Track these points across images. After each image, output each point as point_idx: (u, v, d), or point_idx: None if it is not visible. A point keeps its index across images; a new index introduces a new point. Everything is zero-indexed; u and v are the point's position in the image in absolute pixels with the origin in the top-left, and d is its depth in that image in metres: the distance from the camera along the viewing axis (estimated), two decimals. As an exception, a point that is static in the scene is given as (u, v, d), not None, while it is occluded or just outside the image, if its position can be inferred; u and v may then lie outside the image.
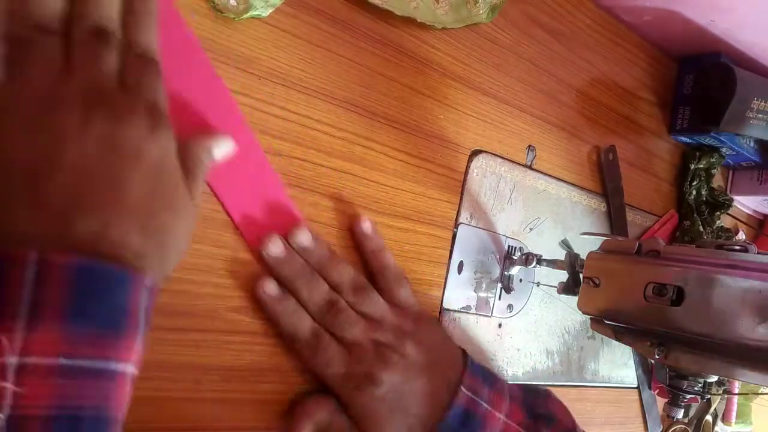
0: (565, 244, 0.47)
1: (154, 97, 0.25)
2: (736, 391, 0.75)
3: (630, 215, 0.60)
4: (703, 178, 0.66)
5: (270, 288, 0.33)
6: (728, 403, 0.74)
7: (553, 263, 0.48)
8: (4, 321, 0.19)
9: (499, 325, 0.49)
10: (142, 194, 0.24)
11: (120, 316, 0.22)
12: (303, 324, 0.34)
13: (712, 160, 0.66)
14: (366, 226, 0.38)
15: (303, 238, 0.34)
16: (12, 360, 0.19)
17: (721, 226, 0.68)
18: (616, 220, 0.58)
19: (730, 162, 0.70)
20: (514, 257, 0.48)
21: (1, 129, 0.22)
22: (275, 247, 0.33)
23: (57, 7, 0.24)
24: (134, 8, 0.26)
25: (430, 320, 0.41)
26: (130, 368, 0.23)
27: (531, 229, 0.51)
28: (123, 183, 0.23)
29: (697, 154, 0.66)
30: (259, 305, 0.34)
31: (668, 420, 0.65)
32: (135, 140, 0.24)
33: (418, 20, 0.40)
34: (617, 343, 0.44)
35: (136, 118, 0.24)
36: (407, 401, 0.35)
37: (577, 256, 0.44)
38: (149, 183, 0.24)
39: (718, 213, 0.68)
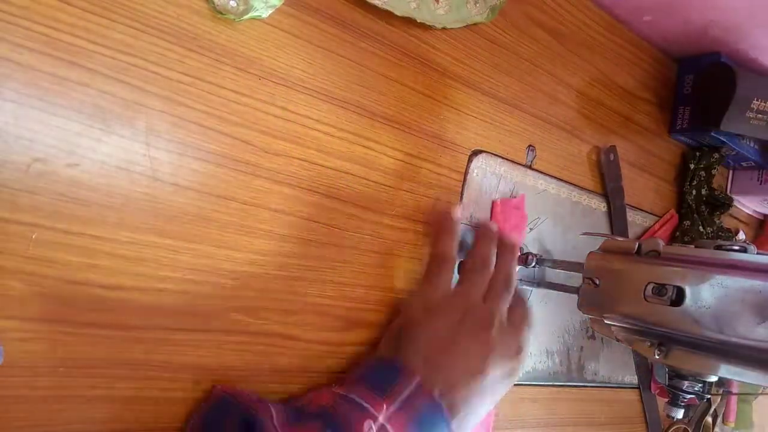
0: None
1: (525, 338, 0.41)
2: (736, 391, 0.75)
3: (630, 215, 0.60)
4: (703, 178, 0.66)
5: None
6: (728, 403, 0.74)
7: (553, 263, 0.48)
8: (387, 399, 0.33)
9: (499, 325, 0.48)
10: (480, 390, 0.37)
11: None
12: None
13: (712, 160, 0.66)
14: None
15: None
16: (381, 419, 0.32)
17: (721, 226, 0.68)
18: (616, 221, 0.58)
19: (730, 162, 0.70)
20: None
21: (438, 315, 0.38)
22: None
23: (491, 256, 0.41)
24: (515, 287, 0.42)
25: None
26: None
27: (531, 229, 0.51)
28: (474, 377, 0.36)
29: (697, 154, 0.66)
30: (259, 305, 0.34)
31: (668, 420, 0.65)
32: (494, 377, 0.37)
33: (418, 20, 0.40)
34: (617, 343, 0.44)
35: (510, 344, 0.39)
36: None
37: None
38: (484, 398, 0.37)
39: (718, 213, 0.68)
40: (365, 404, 0.33)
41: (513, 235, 0.45)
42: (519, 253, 0.44)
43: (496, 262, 0.42)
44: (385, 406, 0.32)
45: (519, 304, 0.42)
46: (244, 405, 0.32)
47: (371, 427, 0.31)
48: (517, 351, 0.39)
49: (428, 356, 0.36)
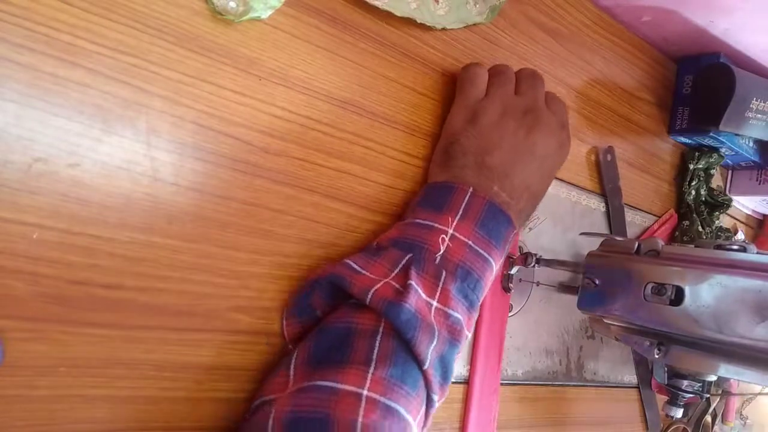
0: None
1: (566, 119, 0.43)
2: (736, 390, 0.75)
3: (629, 215, 0.60)
4: (702, 178, 0.66)
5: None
6: (727, 402, 0.75)
7: (553, 263, 0.48)
8: (450, 213, 0.36)
9: (499, 325, 0.49)
10: (530, 175, 0.40)
11: (498, 238, 0.37)
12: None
13: (711, 160, 0.66)
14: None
15: None
16: (450, 231, 0.36)
17: (720, 226, 0.68)
18: (614, 221, 0.58)
19: (729, 162, 0.70)
20: (514, 257, 0.48)
21: (477, 122, 0.39)
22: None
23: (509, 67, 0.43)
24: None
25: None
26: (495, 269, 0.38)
27: (530, 229, 0.51)
28: (522, 167, 0.39)
29: (697, 154, 0.66)
30: (259, 305, 0.35)
31: (667, 419, 0.65)
32: (546, 149, 0.40)
33: (418, 21, 0.40)
34: (617, 342, 0.44)
35: (550, 126, 0.41)
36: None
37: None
38: (543, 177, 0.41)
39: (717, 213, 0.68)
40: (431, 223, 0.36)
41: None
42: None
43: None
44: (449, 218, 0.36)
45: (551, 95, 0.43)
46: (323, 273, 0.34)
47: (444, 239, 0.35)
48: (562, 125, 0.42)
49: (473, 164, 0.38)
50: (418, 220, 0.36)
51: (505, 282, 0.48)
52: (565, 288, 0.49)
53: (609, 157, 0.57)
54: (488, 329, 0.47)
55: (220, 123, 0.33)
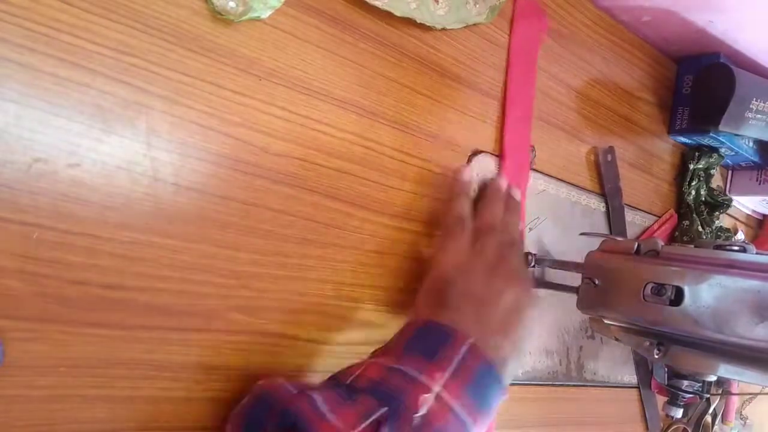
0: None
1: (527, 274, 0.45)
2: (736, 391, 0.75)
3: (629, 215, 0.60)
4: (702, 178, 0.66)
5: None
6: (727, 402, 0.75)
7: (552, 263, 0.48)
8: (440, 367, 0.32)
9: (499, 325, 0.48)
10: (521, 337, 0.38)
11: (488, 408, 0.34)
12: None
13: (711, 160, 0.66)
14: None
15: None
16: (436, 389, 0.31)
17: (720, 226, 0.68)
18: (614, 221, 0.58)
19: (729, 162, 0.70)
20: (514, 257, 0.48)
21: (469, 272, 0.39)
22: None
23: (498, 216, 0.43)
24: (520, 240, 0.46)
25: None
26: None
27: (530, 229, 0.51)
28: (516, 326, 0.38)
29: (696, 154, 0.66)
30: (259, 305, 0.35)
31: (667, 419, 0.65)
32: (525, 301, 0.39)
33: (418, 21, 0.40)
34: (616, 342, 0.44)
35: (530, 295, 0.40)
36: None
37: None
38: (525, 331, 0.38)
39: (717, 213, 0.68)
40: (418, 375, 0.32)
41: (516, 192, 0.47)
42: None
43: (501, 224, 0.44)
44: (438, 374, 0.32)
45: (515, 249, 0.44)
46: (282, 400, 0.31)
47: (426, 399, 0.31)
48: (533, 300, 0.41)
49: (472, 311, 0.36)
50: (403, 368, 0.32)
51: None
52: (564, 288, 0.48)
53: (609, 157, 0.57)
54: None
55: (220, 123, 0.33)
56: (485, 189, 0.46)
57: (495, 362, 0.34)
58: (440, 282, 0.38)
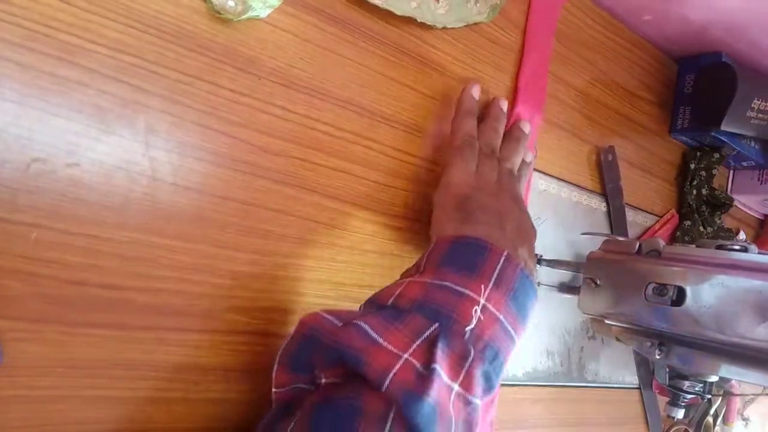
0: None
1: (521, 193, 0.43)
2: (737, 391, 0.75)
3: (631, 215, 0.60)
4: (703, 178, 0.66)
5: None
6: (729, 403, 0.74)
7: (553, 263, 0.48)
8: (483, 280, 0.33)
9: (500, 325, 0.48)
10: (533, 247, 0.39)
11: (526, 315, 0.35)
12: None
13: (713, 159, 0.65)
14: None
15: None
16: (482, 301, 0.32)
17: (722, 226, 0.68)
18: (615, 221, 0.58)
19: (731, 162, 0.70)
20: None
21: (480, 189, 0.39)
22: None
23: (497, 145, 0.43)
24: (524, 173, 0.45)
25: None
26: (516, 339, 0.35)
27: (531, 229, 0.51)
28: (531, 238, 0.39)
29: (698, 153, 0.66)
30: (259, 305, 0.34)
31: (669, 420, 0.65)
32: (529, 220, 0.40)
33: (418, 20, 0.40)
34: (618, 343, 0.44)
35: (528, 216, 0.41)
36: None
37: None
38: (530, 233, 0.40)
39: (719, 213, 0.68)
40: (462, 289, 0.32)
41: (525, 124, 0.46)
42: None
43: (503, 150, 0.44)
44: (482, 286, 0.32)
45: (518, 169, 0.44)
46: (329, 335, 0.30)
47: (476, 311, 0.31)
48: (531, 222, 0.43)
49: (496, 224, 0.37)
50: (446, 283, 0.32)
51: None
52: (566, 288, 0.48)
53: (610, 157, 0.57)
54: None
55: (219, 122, 0.33)
56: (487, 110, 0.45)
57: (529, 271, 0.35)
58: (459, 198, 0.38)
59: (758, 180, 0.71)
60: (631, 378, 0.62)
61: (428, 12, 0.41)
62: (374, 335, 0.29)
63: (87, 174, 0.29)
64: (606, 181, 0.57)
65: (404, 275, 0.36)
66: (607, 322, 0.42)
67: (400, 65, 0.41)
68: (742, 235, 0.75)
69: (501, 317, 0.32)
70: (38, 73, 0.27)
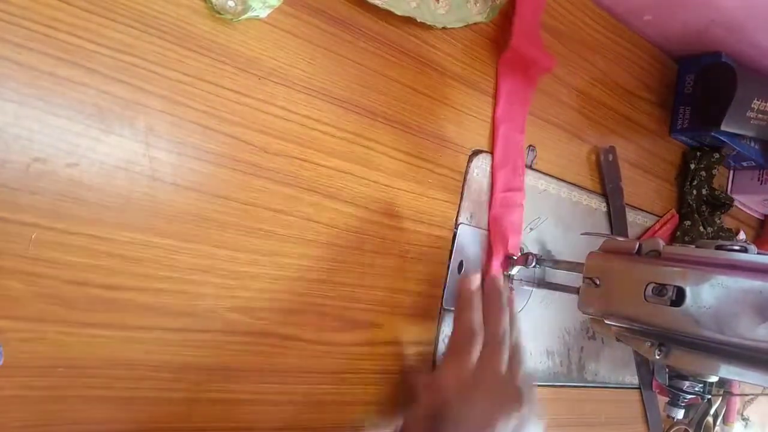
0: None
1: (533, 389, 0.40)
2: (737, 391, 0.75)
3: (630, 215, 0.60)
4: (703, 178, 0.66)
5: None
6: (729, 403, 0.74)
7: (553, 263, 0.48)
8: None
9: (500, 326, 0.48)
10: None
11: None
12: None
13: (713, 160, 0.65)
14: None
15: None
16: None
17: (722, 226, 0.68)
18: (615, 221, 0.58)
19: (731, 162, 0.70)
20: (515, 257, 0.48)
21: (472, 394, 0.37)
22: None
23: (506, 328, 0.41)
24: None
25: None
26: None
27: (531, 229, 0.51)
28: None
29: (698, 154, 0.66)
30: (259, 305, 0.35)
31: (669, 420, 0.65)
32: (531, 426, 0.38)
33: (418, 20, 0.40)
34: (618, 343, 0.44)
35: (535, 411, 0.38)
36: None
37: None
38: None
39: (719, 213, 0.68)
40: None
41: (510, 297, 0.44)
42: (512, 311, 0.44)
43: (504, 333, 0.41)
44: None
45: (527, 387, 0.41)
46: None
47: None
48: (538, 416, 0.40)
49: None
50: None
51: (505, 282, 0.48)
52: (565, 288, 0.48)
53: (610, 157, 0.57)
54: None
55: (220, 122, 0.33)
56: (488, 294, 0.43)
57: None
58: (437, 407, 0.37)
59: (758, 180, 0.71)
60: (631, 378, 0.62)
61: (428, 12, 0.41)
62: None
63: (87, 174, 0.29)
64: (606, 181, 0.57)
65: None
66: (607, 322, 0.42)
67: (400, 65, 0.41)
68: (742, 235, 0.75)
69: None
70: (38, 73, 0.27)
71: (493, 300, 0.42)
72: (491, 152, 0.47)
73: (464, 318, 0.40)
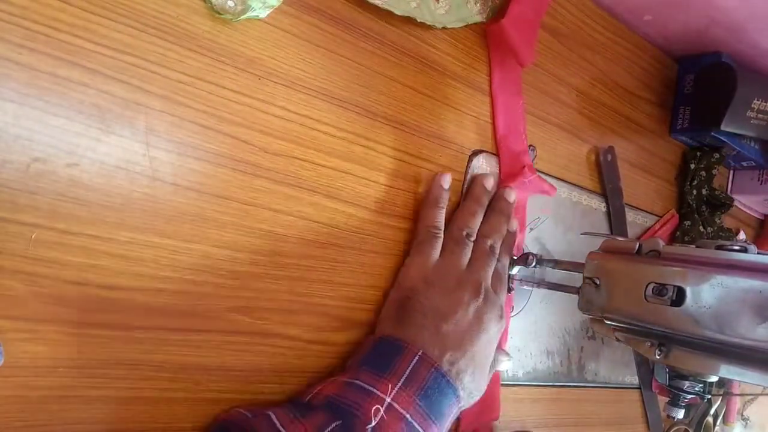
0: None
1: (503, 300, 0.43)
2: (737, 391, 0.75)
3: (630, 215, 0.60)
4: (703, 178, 0.66)
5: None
6: (729, 403, 0.74)
7: (553, 263, 0.48)
8: (392, 378, 0.34)
9: (500, 325, 0.48)
10: (480, 351, 0.39)
11: (440, 414, 0.35)
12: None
13: (713, 160, 0.65)
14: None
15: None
16: (387, 399, 0.33)
17: (722, 226, 0.68)
18: (615, 221, 0.58)
19: (731, 162, 0.70)
20: (515, 257, 0.48)
21: (434, 285, 0.39)
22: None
23: (475, 226, 0.43)
24: (507, 245, 0.45)
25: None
26: None
27: (531, 229, 0.51)
28: (474, 341, 0.38)
29: (698, 153, 0.66)
30: (259, 305, 0.35)
31: (669, 420, 0.65)
32: (490, 321, 0.40)
33: (418, 20, 0.40)
34: (618, 343, 0.44)
35: (496, 309, 0.41)
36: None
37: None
38: (485, 346, 0.40)
39: (719, 213, 0.68)
40: (370, 387, 0.33)
41: (509, 193, 0.46)
42: (511, 221, 0.46)
43: (483, 227, 0.43)
44: (390, 385, 0.33)
45: (496, 273, 0.43)
46: (240, 424, 0.31)
47: (379, 410, 0.32)
48: (500, 315, 0.41)
49: (431, 326, 0.37)
50: (357, 382, 0.34)
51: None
52: (565, 288, 0.48)
53: (609, 158, 0.57)
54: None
55: (220, 122, 0.33)
56: (471, 187, 0.45)
57: (448, 373, 0.36)
58: (403, 295, 0.39)
59: (758, 180, 0.71)
60: (631, 378, 0.62)
61: (428, 12, 0.41)
62: (279, 426, 0.31)
63: (87, 174, 0.29)
64: (606, 182, 0.57)
65: (337, 372, 0.37)
66: (607, 322, 0.42)
67: (400, 65, 0.41)
68: (742, 235, 0.75)
69: (407, 416, 0.33)
70: (38, 73, 0.27)
71: (474, 189, 0.44)
72: (492, 123, 0.47)
73: (426, 214, 0.41)
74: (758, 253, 0.36)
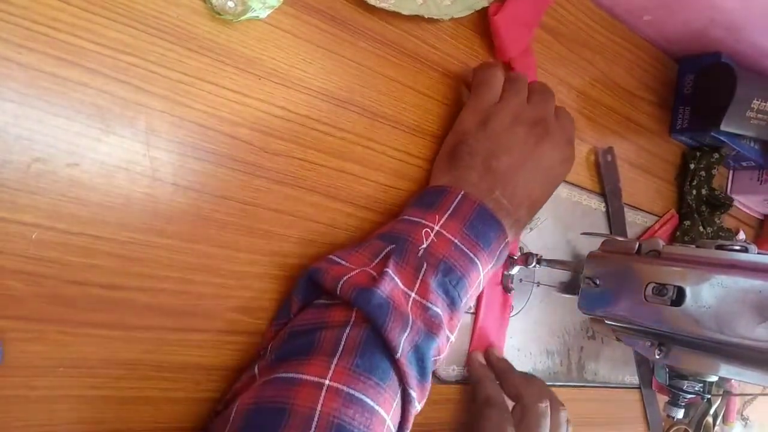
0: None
1: (573, 135, 0.42)
2: (737, 391, 0.75)
3: (630, 215, 0.60)
4: (703, 178, 0.66)
5: (480, 357, 0.46)
6: (729, 403, 0.74)
7: (553, 263, 0.48)
8: (438, 211, 0.36)
9: (499, 325, 0.48)
10: (537, 191, 0.40)
11: (487, 242, 0.37)
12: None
13: (713, 160, 0.66)
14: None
15: None
16: (436, 227, 0.35)
17: (722, 226, 0.68)
18: (614, 221, 0.58)
19: (731, 162, 0.70)
20: (514, 257, 0.48)
21: (487, 124, 0.39)
22: None
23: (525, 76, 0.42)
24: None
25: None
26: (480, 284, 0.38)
27: (531, 229, 0.51)
28: (528, 175, 0.39)
29: (698, 154, 0.66)
30: (259, 305, 0.35)
31: (669, 420, 0.65)
32: (552, 151, 0.40)
33: (426, 17, 0.40)
34: (618, 343, 0.44)
35: (559, 140, 0.40)
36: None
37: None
38: (545, 188, 0.41)
39: (719, 213, 0.68)
40: (419, 219, 0.36)
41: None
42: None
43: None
44: (437, 216, 0.36)
45: (561, 110, 0.43)
46: (302, 276, 0.34)
47: (429, 233, 0.35)
48: (568, 141, 0.41)
49: (478, 166, 0.38)
50: (406, 217, 0.37)
51: (505, 282, 0.48)
52: (565, 288, 0.48)
53: (609, 158, 0.57)
54: (489, 329, 0.46)
55: (220, 122, 0.33)
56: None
57: (491, 207, 0.37)
58: (456, 140, 0.40)
59: (758, 180, 0.71)
60: (631, 378, 0.62)
61: (434, 6, 0.40)
62: (338, 259, 0.34)
63: (87, 174, 0.29)
64: (605, 182, 0.57)
65: None
66: (607, 322, 0.42)
67: (401, 65, 0.41)
68: (742, 235, 0.75)
69: (455, 240, 0.35)
70: (38, 73, 0.27)
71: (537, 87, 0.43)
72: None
73: (485, 70, 0.41)
74: (758, 253, 0.37)
